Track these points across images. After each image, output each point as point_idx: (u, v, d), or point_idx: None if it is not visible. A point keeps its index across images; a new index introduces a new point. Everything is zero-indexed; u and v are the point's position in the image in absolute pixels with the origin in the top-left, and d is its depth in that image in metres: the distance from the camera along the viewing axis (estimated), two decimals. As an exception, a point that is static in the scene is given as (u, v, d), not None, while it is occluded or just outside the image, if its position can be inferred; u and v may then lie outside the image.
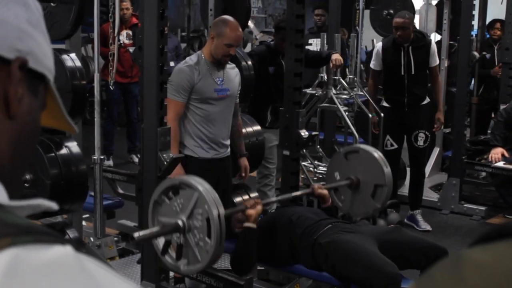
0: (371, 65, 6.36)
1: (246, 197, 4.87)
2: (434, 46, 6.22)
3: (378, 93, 6.57)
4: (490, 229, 0.59)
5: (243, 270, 3.83)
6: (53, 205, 0.67)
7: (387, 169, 4.24)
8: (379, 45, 6.34)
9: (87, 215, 5.06)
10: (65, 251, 0.57)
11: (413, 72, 6.05)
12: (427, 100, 6.28)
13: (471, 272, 0.54)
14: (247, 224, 3.71)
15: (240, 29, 4.36)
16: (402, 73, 6.06)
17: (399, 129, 6.21)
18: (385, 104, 6.31)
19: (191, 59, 4.36)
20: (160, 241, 3.40)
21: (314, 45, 7.57)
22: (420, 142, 6.20)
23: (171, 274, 4.23)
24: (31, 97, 0.75)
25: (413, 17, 6.22)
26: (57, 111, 0.83)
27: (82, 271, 0.56)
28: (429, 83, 6.38)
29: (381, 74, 6.32)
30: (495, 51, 8.37)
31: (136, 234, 3.19)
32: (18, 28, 0.72)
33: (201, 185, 3.15)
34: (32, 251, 0.55)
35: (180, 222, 3.23)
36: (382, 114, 6.21)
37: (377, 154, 4.29)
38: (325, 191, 4.19)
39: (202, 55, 4.34)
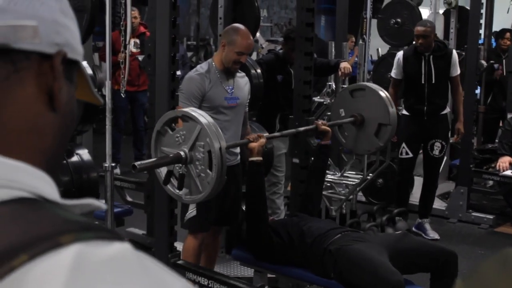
0: (392, 74, 6.34)
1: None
2: (455, 56, 6.17)
3: (398, 102, 6.54)
4: None
5: (258, 209, 3.87)
6: (102, 205, 0.69)
7: (392, 109, 4.32)
8: (400, 53, 6.31)
9: (97, 223, 5.06)
10: (125, 247, 0.59)
11: (433, 81, 6.03)
12: (447, 109, 6.27)
13: None
14: (252, 158, 3.81)
15: (251, 37, 4.37)
16: (423, 82, 6.04)
17: (416, 138, 6.17)
18: (404, 112, 6.29)
19: (202, 67, 4.35)
20: (163, 171, 3.46)
21: None
22: (436, 152, 6.18)
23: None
24: (69, 85, 0.76)
25: (434, 26, 6.21)
26: (84, 86, 0.87)
27: (142, 266, 0.58)
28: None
29: (401, 83, 6.30)
30: (503, 60, 8.37)
31: (138, 163, 3.24)
32: (54, 21, 0.74)
33: (204, 118, 3.23)
34: (95, 247, 0.57)
35: (182, 153, 3.32)
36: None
37: (383, 93, 4.34)
38: (328, 128, 4.30)
39: (213, 63, 4.33)
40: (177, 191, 3.44)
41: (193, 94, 4.20)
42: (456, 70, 6.17)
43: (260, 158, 3.83)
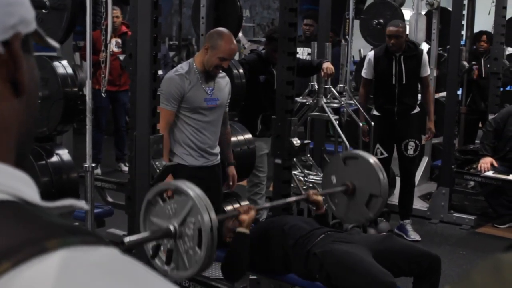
0: (363, 74, 6.36)
1: (236, 205, 4.86)
2: (425, 56, 6.25)
3: (368, 102, 6.58)
4: None
5: (235, 277, 3.82)
6: (84, 206, 0.66)
7: (384, 181, 4.25)
8: (371, 53, 6.35)
9: (77, 224, 5.02)
10: (112, 252, 0.57)
11: (404, 82, 6.06)
12: (417, 109, 6.29)
13: None
14: (239, 229, 3.71)
15: (235, 43, 4.33)
16: (393, 82, 6.07)
17: (389, 138, 6.21)
18: (375, 112, 6.32)
19: (182, 67, 4.32)
20: (150, 244, 3.40)
21: (301, 54, 7.56)
22: (410, 151, 6.21)
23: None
24: (28, 58, 0.71)
25: (406, 27, 6.24)
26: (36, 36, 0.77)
27: (130, 271, 0.56)
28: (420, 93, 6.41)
29: (372, 83, 6.33)
30: (482, 62, 8.40)
31: (126, 239, 3.17)
32: (5, 3, 0.66)
33: (196, 193, 3.14)
34: (81, 252, 0.55)
35: (171, 228, 3.22)
36: (372, 123, 6.22)
37: (376, 164, 4.29)
38: (320, 198, 4.20)
39: (194, 64, 4.30)
40: (165, 266, 3.36)
41: (172, 95, 4.19)
42: (426, 71, 6.22)
43: (248, 231, 3.72)
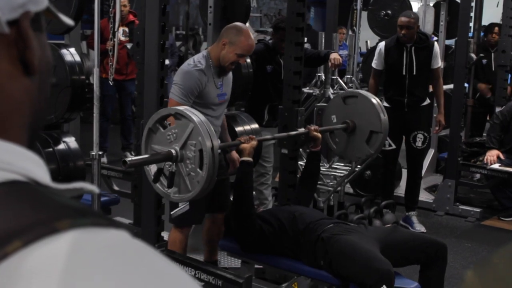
0: (373, 64, 6.33)
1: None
2: (437, 48, 6.19)
3: (379, 93, 6.54)
4: None
5: (244, 210, 3.85)
6: (95, 189, 0.65)
7: (384, 117, 4.35)
8: (381, 44, 6.31)
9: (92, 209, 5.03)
10: (123, 234, 0.57)
11: (414, 73, 6.03)
12: (427, 101, 6.27)
13: None
14: (242, 158, 3.81)
15: (253, 38, 4.26)
16: (404, 73, 6.04)
17: (398, 129, 6.18)
18: (385, 104, 6.28)
19: (200, 62, 4.15)
20: (153, 169, 3.45)
21: None
22: (419, 143, 6.19)
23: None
24: (39, 36, 0.70)
25: (418, 18, 6.20)
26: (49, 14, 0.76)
27: (141, 254, 0.56)
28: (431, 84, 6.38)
29: (382, 74, 6.29)
30: (492, 55, 8.37)
31: (129, 159, 3.22)
32: None
33: (197, 116, 3.21)
34: (92, 234, 0.55)
35: (173, 151, 3.31)
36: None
37: (375, 100, 4.35)
38: (319, 135, 4.31)
39: (210, 59, 4.19)
40: (166, 189, 3.42)
41: (191, 91, 4.05)
42: (437, 62, 6.17)
43: (251, 159, 3.82)
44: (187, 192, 3.36)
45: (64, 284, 0.50)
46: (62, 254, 0.51)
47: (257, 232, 3.86)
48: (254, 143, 3.83)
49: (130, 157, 3.28)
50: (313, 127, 4.34)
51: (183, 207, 4.15)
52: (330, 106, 4.72)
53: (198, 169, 3.26)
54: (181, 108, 3.36)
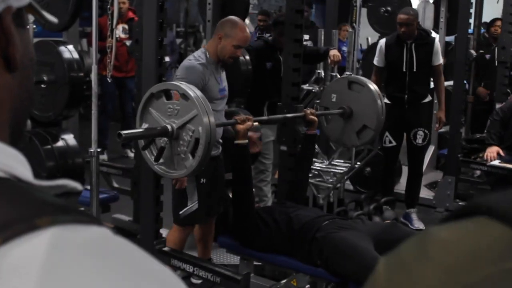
0: (375, 62, 6.31)
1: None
2: (437, 45, 6.17)
3: (381, 90, 6.51)
4: (457, 208, 0.60)
5: (244, 191, 3.87)
6: (78, 186, 0.65)
7: (382, 117, 4.35)
8: (382, 41, 6.30)
9: (82, 209, 5.03)
10: (104, 231, 0.56)
11: (415, 70, 6.02)
12: (428, 98, 6.26)
13: (437, 249, 0.54)
14: (238, 141, 3.80)
15: (248, 31, 4.33)
16: (404, 70, 6.02)
17: (399, 126, 6.17)
18: (386, 101, 6.26)
19: (201, 57, 4.23)
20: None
21: None
22: (419, 140, 6.18)
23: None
24: (22, 33, 0.69)
25: (417, 14, 6.19)
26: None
27: (123, 251, 0.55)
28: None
29: (384, 71, 6.28)
30: (495, 50, 8.35)
31: (124, 132, 3.23)
32: None
33: (203, 105, 3.20)
34: (73, 231, 0.54)
35: (169, 127, 3.31)
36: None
37: (379, 100, 4.36)
38: (315, 118, 4.32)
39: (207, 53, 4.26)
40: (153, 160, 3.43)
41: (196, 84, 4.00)
42: (438, 59, 6.16)
43: (246, 141, 3.81)
44: (171, 170, 3.38)
45: (42, 281, 0.49)
46: (41, 251, 0.51)
47: (255, 224, 3.85)
48: (249, 123, 3.81)
49: (125, 131, 3.26)
50: (309, 110, 4.35)
51: (191, 206, 4.17)
52: (334, 85, 4.74)
53: (189, 155, 3.27)
54: (191, 90, 3.33)
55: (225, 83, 4.39)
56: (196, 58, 4.24)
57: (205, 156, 3.23)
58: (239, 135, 3.79)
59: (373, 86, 4.54)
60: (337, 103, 4.56)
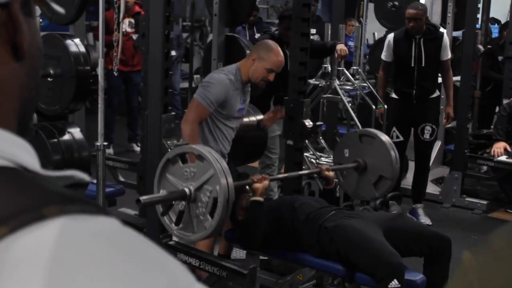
0: (383, 56, 6.28)
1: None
2: (446, 40, 6.13)
3: (388, 85, 6.49)
4: None
5: (252, 245, 3.88)
6: (86, 177, 0.64)
7: (397, 165, 4.31)
8: (390, 36, 6.26)
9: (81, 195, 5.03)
10: (112, 221, 0.55)
11: (423, 65, 5.99)
12: (437, 93, 6.24)
13: None
14: (254, 198, 3.79)
15: (282, 55, 4.35)
16: (412, 65, 5.99)
17: (406, 121, 6.15)
18: (394, 95, 6.25)
19: (231, 72, 4.26)
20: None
21: None
22: (427, 136, 6.16)
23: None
24: (29, 22, 0.68)
25: (426, 9, 6.15)
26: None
27: (131, 241, 0.55)
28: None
29: (392, 66, 6.25)
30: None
31: (143, 198, 3.23)
32: None
33: (219, 164, 3.19)
34: (81, 221, 0.53)
35: (187, 190, 3.30)
36: (385, 106, 6.18)
37: (391, 146, 4.34)
38: (331, 173, 4.28)
39: (240, 72, 4.28)
40: (173, 225, 3.43)
41: (217, 97, 4.13)
42: (447, 54, 6.12)
43: (262, 199, 3.81)
44: (191, 233, 3.37)
45: (51, 272, 0.48)
46: (49, 242, 0.50)
47: (260, 245, 3.88)
48: (266, 183, 3.81)
49: (144, 197, 3.28)
50: (324, 166, 4.33)
51: None
52: (345, 140, 4.71)
53: (208, 216, 3.26)
54: (205, 151, 3.33)
55: (246, 104, 4.42)
56: (226, 72, 4.28)
57: (224, 215, 3.23)
58: (257, 193, 3.79)
59: (384, 137, 4.50)
60: (350, 157, 4.52)
